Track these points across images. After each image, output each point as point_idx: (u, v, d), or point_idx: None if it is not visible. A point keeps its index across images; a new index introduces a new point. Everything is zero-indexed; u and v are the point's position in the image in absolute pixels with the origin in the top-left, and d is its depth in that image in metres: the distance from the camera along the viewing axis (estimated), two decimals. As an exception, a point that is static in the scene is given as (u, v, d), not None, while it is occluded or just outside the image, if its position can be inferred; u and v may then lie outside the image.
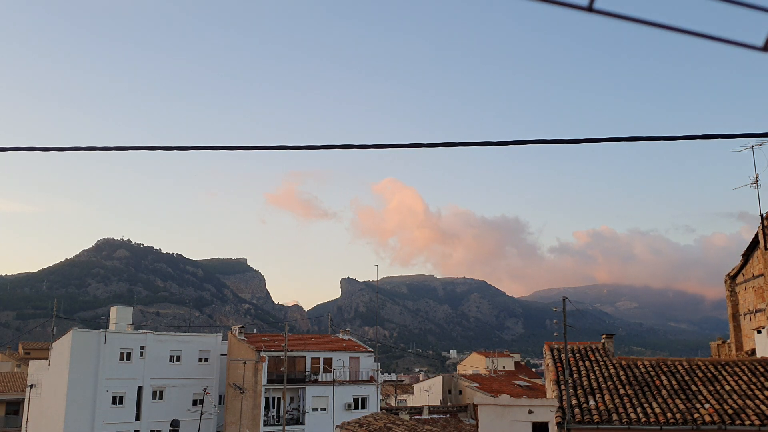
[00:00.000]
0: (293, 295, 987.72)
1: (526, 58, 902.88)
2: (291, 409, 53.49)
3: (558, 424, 20.50)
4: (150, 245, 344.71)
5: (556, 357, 24.90)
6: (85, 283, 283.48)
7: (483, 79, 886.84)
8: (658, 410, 20.65)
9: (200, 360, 60.59)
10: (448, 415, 55.89)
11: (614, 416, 20.44)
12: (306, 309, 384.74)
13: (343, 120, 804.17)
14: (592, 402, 21.42)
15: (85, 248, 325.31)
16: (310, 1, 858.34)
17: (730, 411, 20.28)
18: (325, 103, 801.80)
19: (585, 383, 22.83)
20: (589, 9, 2.18)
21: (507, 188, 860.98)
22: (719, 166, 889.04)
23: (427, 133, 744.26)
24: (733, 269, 31.59)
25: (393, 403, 78.78)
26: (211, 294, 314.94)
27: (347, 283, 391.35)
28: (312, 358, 55.28)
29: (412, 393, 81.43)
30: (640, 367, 24.15)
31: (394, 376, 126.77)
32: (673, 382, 22.67)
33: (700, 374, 23.21)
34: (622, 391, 22.12)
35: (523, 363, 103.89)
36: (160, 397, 57.71)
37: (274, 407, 52.87)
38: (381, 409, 54.04)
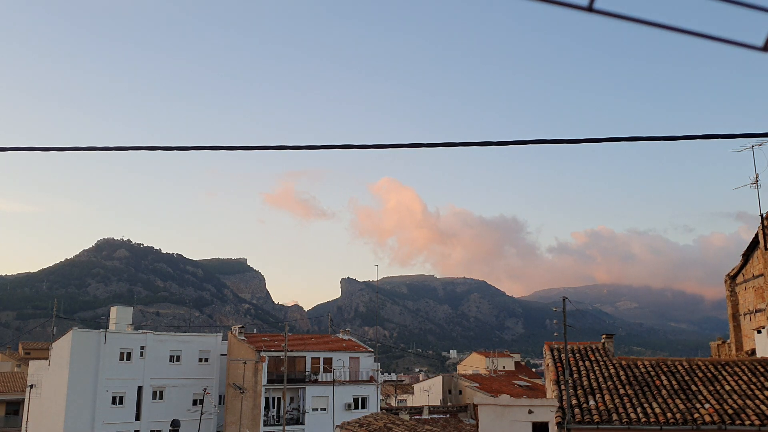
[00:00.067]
0: (293, 295, 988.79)
1: (526, 58, 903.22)
2: (291, 409, 53.51)
3: (558, 424, 20.51)
4: (150, 245, 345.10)
5: (556, 357, 24.90)
6: (85, 283, 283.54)
7: (482, 79, 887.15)
8: (658, 410, 20.65)
9: (200, 360, 60.61)
10: (448, 415, 55.90)
11: (614, 416, 20.44)
12: (306, 309, 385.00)
13: (341, 120, 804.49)
14: (592, 402, 21.42)
15: (85, 248, 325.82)
16: (310, 0, 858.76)
17: (730, 411, 20.28)
18: (324, 102, 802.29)
19: (585, 383, 22.84)
20: (589, 9, 2.18)
21: (505, 188, 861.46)
22: (719, 166, 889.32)
23: (424, 132, 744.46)
24: (733, 269, 31.60)
25: (393, 403, 78.80)
26: (211, 294, 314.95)
27: (347, 283, 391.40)
28: (312, 358, 55.30)
29: (412, 393, 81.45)
30: (640, 367, 24.16)
31: (394, 376, 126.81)
32: (673, 382, 22.67)
33: (700, 374, 23.22)
34: (622, 391, 22.13)
35: (523, 363, 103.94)
36: (160, 397, 57.73)
37: (274, 407, 52.89)
38: (381, 409, 54.05)
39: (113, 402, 55.48)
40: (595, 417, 20.48)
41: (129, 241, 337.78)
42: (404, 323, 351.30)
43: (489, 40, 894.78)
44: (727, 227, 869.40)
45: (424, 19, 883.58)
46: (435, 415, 55.30)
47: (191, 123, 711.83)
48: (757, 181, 28.01)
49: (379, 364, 58.94)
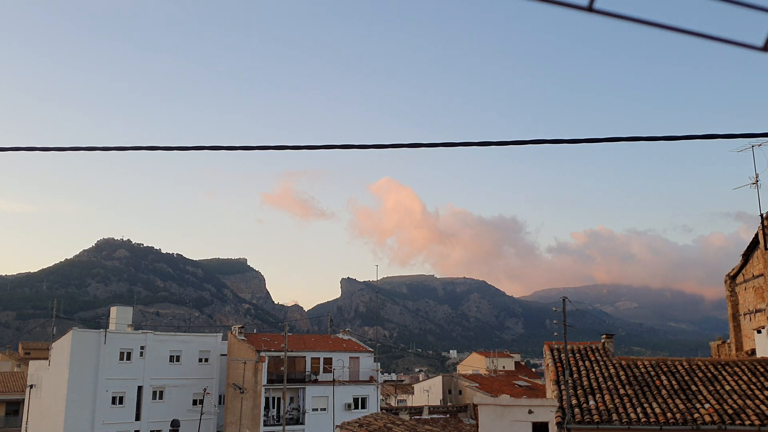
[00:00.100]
0: (293, 295, 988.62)
1: (526, 58, 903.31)
2: (291, 409, 53.50)
3: (558, 424, 20.51)
4: (150, 245, 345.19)
5: (556, 357, 24.90)
6: (85, 283, 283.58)
7: (482, 79, 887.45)
8: (658, 410, 20.65)
9: (200, 360, 60.60)
10: (448, 415, 55.88)
11: (614, 416, 20.44)
12: (306, 309, 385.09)
13: (341, 120, 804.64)
14: (592, 402, 21.42)
15: (85, 248, 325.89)
16: (309, 0, 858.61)
17: (730, 411, 20.28)
18: (323, 102, 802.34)
19: (585, 383, 22.83)
20: (589, 9, 2.18)
21: (504, 188, 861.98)
22: (719, 166, 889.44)
23: (424, 132, 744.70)
24: (733, 269, 31.60)
25: (393, 403, 78.78)
26: (211, 294, 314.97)
27: (347, 283, 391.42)
28: (312, 358, 55.29)
29: (412, 393, 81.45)
30: (640, 367, 24.15)
31: (394, 376, 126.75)
32: (673, 382, 22.67)
33: (700, 374, 23.21)
34: (622, 391, 22.13)
35: (523, 363, 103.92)
36: (160, 397, 57.73)
37: (274, 407, 52.88)
38: (381, 409, 54.04)
39: (113, 402, 55.48)
40: (595, 417, 20.47)
41: (129, 241, 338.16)
42: (404, 323, 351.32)
43: (489, 40, 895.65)
44: (727, 227, 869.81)
45: (424, 19, 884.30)
46: (435, 415, 55.28)
47: (191, 123, 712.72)
48: (757, 181, 28.03)
49: (379, 364, 58.93)
